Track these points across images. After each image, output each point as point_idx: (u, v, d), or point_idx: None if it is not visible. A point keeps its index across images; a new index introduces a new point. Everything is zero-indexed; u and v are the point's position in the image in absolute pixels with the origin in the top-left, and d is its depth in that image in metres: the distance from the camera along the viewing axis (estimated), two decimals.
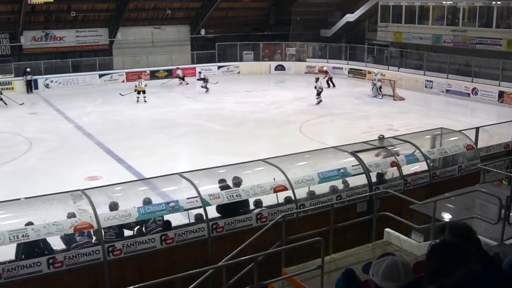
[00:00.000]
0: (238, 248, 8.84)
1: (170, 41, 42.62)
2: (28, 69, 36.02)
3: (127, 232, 9.79)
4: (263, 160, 11.67)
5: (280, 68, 42.24)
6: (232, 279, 8.34)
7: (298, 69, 41.52)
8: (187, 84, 36.84)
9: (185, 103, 31.24)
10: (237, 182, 10.67)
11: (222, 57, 43.31)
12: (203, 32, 43.25)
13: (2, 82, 36.08)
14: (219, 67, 42.51)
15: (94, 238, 9.32)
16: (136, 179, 15.83)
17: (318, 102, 29.02)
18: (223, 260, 8.49)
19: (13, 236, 8.42)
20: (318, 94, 29.02)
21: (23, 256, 8.75)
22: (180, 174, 10.63)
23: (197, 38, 43.76)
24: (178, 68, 38.60)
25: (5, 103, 30.31)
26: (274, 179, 10.78)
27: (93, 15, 39.32)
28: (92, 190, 9.76)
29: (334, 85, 35.40)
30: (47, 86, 36.68)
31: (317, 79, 29.23)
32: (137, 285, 6.88)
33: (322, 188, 11.53)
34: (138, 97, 30.54)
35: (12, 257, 8.78)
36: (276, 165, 11.10)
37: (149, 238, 9.37)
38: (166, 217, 9.87)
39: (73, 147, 21.49)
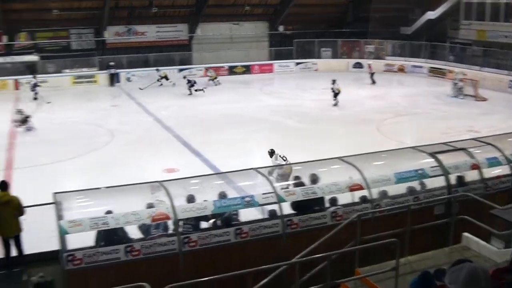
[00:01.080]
0: (313, 245, 8.80)
1: (248, 37, 42.94)
2: (111, 63, 37.19)
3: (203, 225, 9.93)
4: (340, 158, 11.54)
5: (358, 65, 41.72)
6: (305, 276, 8.31)
7: (377, 67, 40.88)
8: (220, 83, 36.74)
9: (263, 99, 31.41)
10: (314, 179, 10.60)
11: (299, 54, 43.21)
12: (281, 28, 43.34)
13: (87, 76, 37.46)
14: (297, 64, 42.45)
15: (170, 229, 9.51)
16: (212, 172, 16.07)
17: (335, 104, 28.35)
18: (297, 257, 8.47)
19: (94, 223, 8.72)
20: (335, 95, 28.34)
21: (102, 243, 9.05)
22: (256, 169, 10.68)
23: (275, 35, 43.88)
24: (209, 69, 38.85)
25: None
26: (351, 177, 10.65)
27: (174, 11, 40.17)
28: (170, 182, 9.95)
29: (374, 82, 35.56)
30: (128, 79, 37.79)
31: (333, 81, 28.52)
32: (210, 277, 6.98)
33: (397, 189, 11.30)
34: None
35: (92, 243, 9.09)
36: (352, 163, 10.95)
37: (224, 232, 9.47)
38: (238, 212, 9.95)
39: (152, 140, 22.04)
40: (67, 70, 37.92)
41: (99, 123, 25.20)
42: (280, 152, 15.68)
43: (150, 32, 40.49)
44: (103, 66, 37.92)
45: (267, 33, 44.14)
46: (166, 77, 35.91)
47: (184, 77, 34.68)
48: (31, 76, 34.06)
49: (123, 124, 25.19)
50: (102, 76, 37.39)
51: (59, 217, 8.71)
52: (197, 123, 24.85)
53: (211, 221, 9.96)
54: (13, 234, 9.56)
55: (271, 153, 15.73)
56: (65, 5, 36.92)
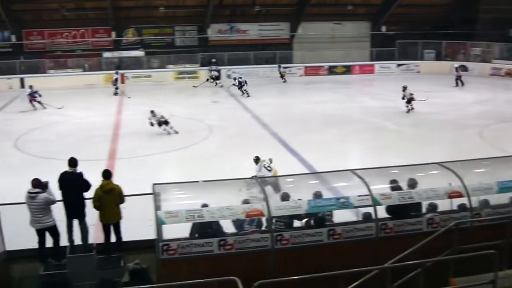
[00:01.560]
0: (407, 251, 8.52)
1: (349, 37, 42.47)
2: (213, 60, 37.99)
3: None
4: (439, 163, 11.12)
5: (463, 68, 40.17)
6: (396, 282, 8.08)
7: (482, 71, 39.22)
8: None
9: (362, 99, 30.97)
10: (412, 184, 10.28)
11: (401, 55, 42.24)
12: (384, 29, 42.51)
13: (189, 71, 38.43)
14: (398, 65, 41.53)
15: (263, 225, 9.54)
16: (308, 172, 15.98)
17: (408, 111, 26.87)
18: (389, 262, 8.25)
19: (190, 216, 8.89)
20: (408, 102, 26.91)
21: (196, 235, 9.21)
22: (352, 170, 10.49)
23: (377, 35, 43.13)
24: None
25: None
26: (450, 184, 10.24)
27: (276, 10, 40.37)
28: (265, 179, 9.97)
29: (463, 84, 34.70)
30: (229, 77, 38.40)
31: (404, 88, 27.17)
32: (300, 276, 6.92)
33: (499, 199, 10.74)
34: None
35: (186, 234, 9.27)
36: (452, 169, 10.52)
37: (317, 232, 9.38)
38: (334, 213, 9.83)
39: (250, 136, 22.24)
40: (171, 66, 39.15)
41: (199, 118, 25.77)
42: (267, 160, 15.23)
43: (252, 30, 40.95)
44: (205, 63, 38.81)
45: (369, 33, 43.45)
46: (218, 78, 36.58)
47: (234, 79, 34.22)
48: (114, 71, 35.70)
49: (222, 120, 25.63)
50: (204, 73, 38.23)
51: (157, 207, 8.95)
52: (294, 122, 24.83)
53: (304, 220, 9.90)
54: (114, 221, 9.94)
55: (256, 160, 15.25)
56: (171, 3, 38.12)
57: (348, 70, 40.57)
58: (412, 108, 26.82)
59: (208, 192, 9.86)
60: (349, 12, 40.98)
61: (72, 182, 9.99)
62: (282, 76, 38.07)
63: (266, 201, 9.17)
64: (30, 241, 10.01)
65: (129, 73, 38.33)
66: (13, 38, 38.56)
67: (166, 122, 22.54)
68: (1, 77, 37.01)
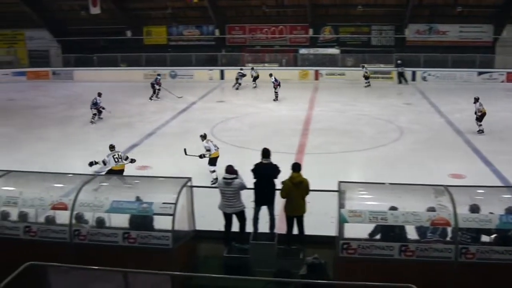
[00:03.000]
0: None
1: None
2: (399, 61, 37.19)
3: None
4: None
5: None
6: None
7: None
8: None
9: None
10: None
11: None
12: None
13: (383, 72, 37.96)
14: None
15: (448, 236, 9.14)
16: (501, 185, 14.98)
17: (479, 131, 22.51)
18: None
19: (373, 217, 8.81)
20: (479, 119, 22.49)
21: (378, 237, 9.09)
22: None
23: None
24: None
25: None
26: None
27: (479, 11, 38.08)
28: (455, 188, 9.52)
29: None
30: (424, 79, 37.27)
31: (476, 100, 22.83)
32: None
33: None
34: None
35: (363, 234, 9.19)
36: None
37: (506, 250, 8.76)
38: None
39: (441, 142, 21.37)
40: (365, 65, 38.95)
41: (390, 119, 25.34)
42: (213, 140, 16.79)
43: (452, 32, 39.20)
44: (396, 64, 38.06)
45: None
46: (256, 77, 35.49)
47: (270, 75, 32.37)
48: (239, 68, 36.92)
49: (413, 122, 24.91)
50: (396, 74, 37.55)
51: (341, 205, 8.99)
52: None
53: (494, 235, 9.29)
54: (298, 213, 10.15)
55: (203, 137, 16.63)
56: (370, 1, 37.88)
57: None
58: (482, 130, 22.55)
59: (393, 195, 9.67)
60: None
61: (266, 172, 10.36)
62: (366, 78, 36.00)
63: (454, 211, 8.77)
64: (214, 223, 10.64)
65: (323, 70, 38.86)
66: (217, 32, 41.14)
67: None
68: (203, 68, 39.69)
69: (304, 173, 10.26)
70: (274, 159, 10.69)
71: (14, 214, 10.21)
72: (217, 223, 10.54)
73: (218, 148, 16.58)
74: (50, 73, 40.80)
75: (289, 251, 10.20)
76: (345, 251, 8.79)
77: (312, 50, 40.78)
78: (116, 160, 15.46)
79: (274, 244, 10.07)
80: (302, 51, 40.92)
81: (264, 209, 10.44)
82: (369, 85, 35.75)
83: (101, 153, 16.92)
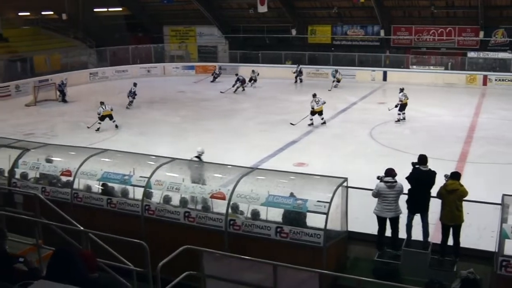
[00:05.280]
0: None
1: None
2: None
3: None
4: None
5: None
6: None
7: None
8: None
9: None
10: None
11: None
12: None
13: None
14: None
15: None
16: None
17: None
18: None
19: None
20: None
21: None
22: None
23: None
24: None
25: None
26: None
27: None
28: None
29: None
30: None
31: (401, 90, 21.28)
32: None
33: None
34: None
35: None
36: None
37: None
38: None
39: None
40: None
41: None
42: None
43: None
44: None
45: None
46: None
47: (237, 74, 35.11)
48: (296, 65, 38.55)
49: None
50: None
51: (504, 220, 8.52)
52: None
53: None
54: (454, 222, 9.74)
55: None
56: None
57: None
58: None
59: None
60: None
61: (424, 180, 10.06)
62: (296, 77, 38.11)
63: None
64: (367, 226, 10.57)
65: (492, 75, 36.71)
66: (382, 33, 40.46)
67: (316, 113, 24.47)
68: (366, 69, 39.30)
69: (465, 183, 9.87)
70: (433, 166, 10.35)
71: (175, 199, 10.90)
72: (369, 226, 10.48)
73: (325, 102, 24.20)
74: (217, 68, 42.80)
75: (443, 262, 9.87)
76: (504, 268, 8.30)
77: (481, 54, 38.70)
78: (104, 107, 23.81)
79: (427, 253, 9.80)
80: (471, 54, 38.91)
81: (416, 216, 10.19)
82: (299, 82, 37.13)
83: (257, 147, 17.48)
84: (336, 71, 36.03)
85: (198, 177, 11.48)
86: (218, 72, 39.44)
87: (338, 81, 35.59)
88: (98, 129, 23.61)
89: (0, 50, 38.08)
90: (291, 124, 24.01)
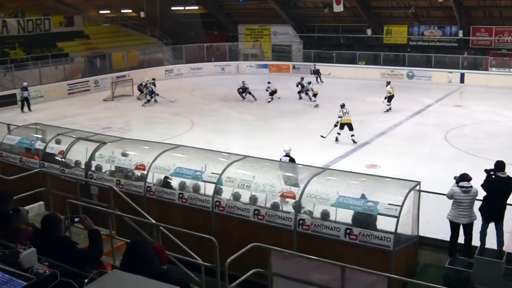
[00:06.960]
0: None
1: None
2: None
3: None
4: None
5: None
6: None
7: None
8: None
9: None
10: None
11: None
12: None
13: None
14: None
15: None
16: None
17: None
18: None
19: None
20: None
21: None
22: None
23: None
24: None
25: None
26: None
27: None
28: None
29: None
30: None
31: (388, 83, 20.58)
32: None
33: None
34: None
35: None
36: None
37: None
38: None
39: None
40: None
41: None
42: None
43: None
44: None
45: None
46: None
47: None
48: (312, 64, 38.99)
49: None
50: None
51: None
52: None
53: None
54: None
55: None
56: None
57: None
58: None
59: None
60: None
61: (502, 187, 9.72)
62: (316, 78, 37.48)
63: None
64: (439, 231, 10.31)
65: None
66: (460, 34, 39.26)
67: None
68: (442, 70, 38.22)
69: None
70: (510, 171, 9.98)
71: (245, 196, 10.99)
72: (441, 232, 10.23)
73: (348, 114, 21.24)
74: (290, 67, 42.70)
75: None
76: None
77: None
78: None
79: (502, 263, 9.46)
80: None
81: (491, 224, 9.86)
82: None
83: (329, 147, 17.28)
84: (388, 82, 28.55)
85: (291, 178, 11.34)
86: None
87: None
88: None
89: (81, 47, 39.65)
90: (322, 136, 21.41)
